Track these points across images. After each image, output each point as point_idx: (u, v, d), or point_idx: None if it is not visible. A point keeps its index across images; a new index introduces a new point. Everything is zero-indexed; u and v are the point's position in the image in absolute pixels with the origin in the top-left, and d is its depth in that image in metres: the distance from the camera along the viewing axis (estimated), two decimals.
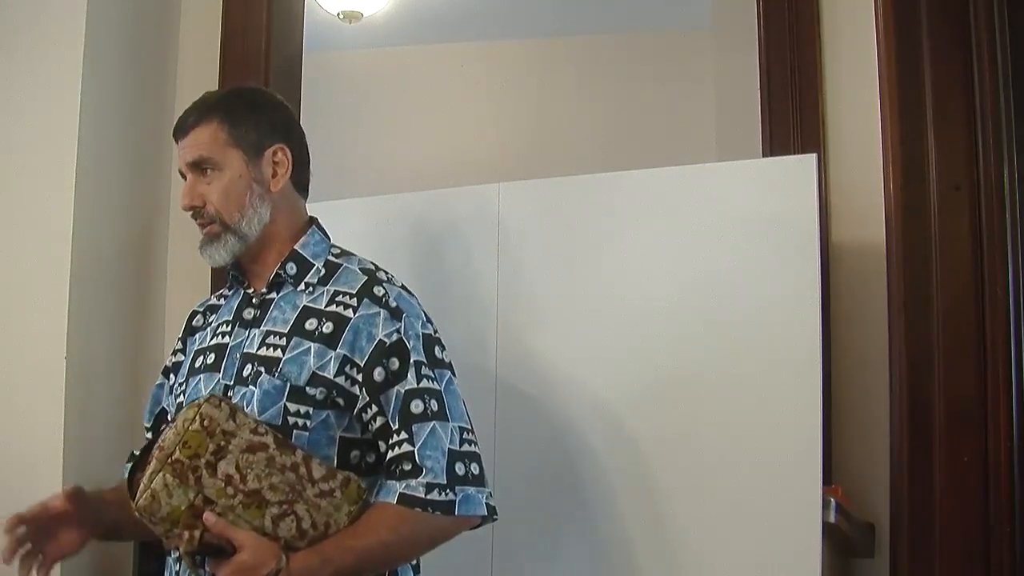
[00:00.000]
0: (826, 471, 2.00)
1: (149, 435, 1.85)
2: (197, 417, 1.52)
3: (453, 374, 1.70)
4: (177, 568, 1.66)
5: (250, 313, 1.74)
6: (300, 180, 1.80)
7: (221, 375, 1.70)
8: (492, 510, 1.66)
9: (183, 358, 1.83)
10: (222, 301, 1.84)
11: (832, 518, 1.97)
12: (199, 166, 1.72)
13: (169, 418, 1.80)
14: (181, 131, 1.75)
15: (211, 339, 1.77)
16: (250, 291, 1.77)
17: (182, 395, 1.74)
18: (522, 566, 2.13)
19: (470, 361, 2.02)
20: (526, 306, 2.19)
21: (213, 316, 1.82)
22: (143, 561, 2.46)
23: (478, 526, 1.68)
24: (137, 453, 1.83)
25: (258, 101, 1.81)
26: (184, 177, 1.76)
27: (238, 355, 1.70)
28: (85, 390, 2.39)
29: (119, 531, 1.76)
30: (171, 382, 1.83)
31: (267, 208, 1.73)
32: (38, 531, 1.64)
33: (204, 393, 1.67)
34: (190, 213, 1.74)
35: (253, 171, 1.73)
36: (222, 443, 1.51)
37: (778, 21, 2.43)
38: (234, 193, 1.71)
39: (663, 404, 2.06)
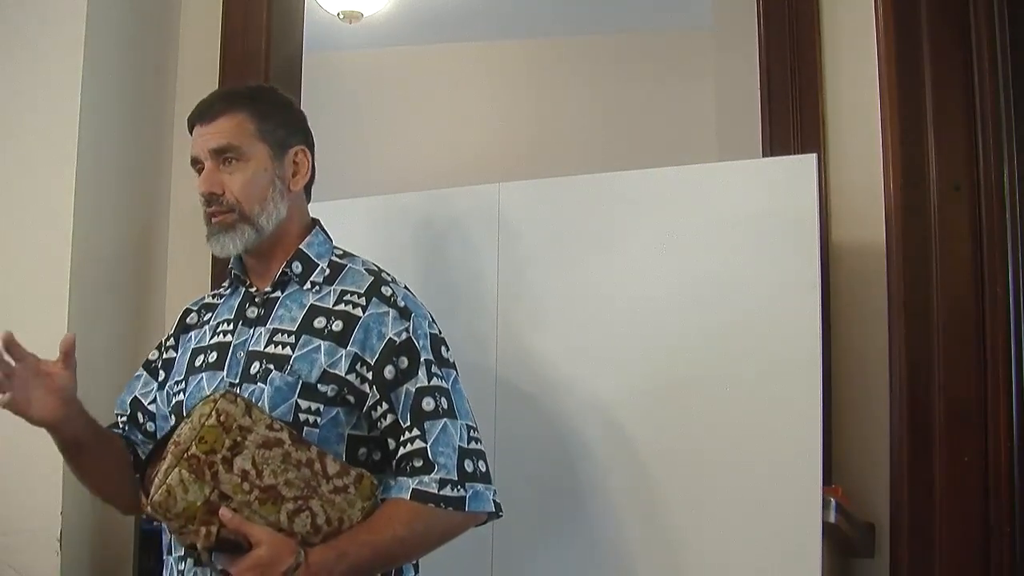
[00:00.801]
0: (826, 471, 2.00)
1: (123, 419, 1.83)
2: (213, 412, 1.52)
3: (457, 373, 1.72)
4: (181, 568, 1.66)
5: (253, 311, 1.74)
6: (308, 185, 1.81)
7: (225, 373, 1.69)
8: (498, 507, 1.67)
9: (175, 355, 1.82)
10: (218, 300, 1.83)
11: (832, 518, 1.97)
12: (223, 153, 1.71)
13: (155, 410, 1.79)
14: (203, 118, 1.73)
15: (211, 337, 1.76)
16: (252, 289, 1.77)
17: (181, 393, 1.74)
18: (522, 566, 2.13)
19: (471, 360, 2.02)
20: (526, 305, 2.19)
21: (210, 315, 1.82)
22: (143, 560, 2.47)
23: (484, 523, 1.70)
24: (120, 424, 1.83)
25: (283, 102, 1.82)
26: (195, 167, 1.74)
27: (243, 353, 1.70)
28: (85, 390, 2.39)
29: (80, 450, 1.71)
30: (161, 379, 1.82)
31: (285, 206, 1.74)
32: (20, 371, 1.61)
33: (208, 391, 1.67)
34: (202, 201, 1.72)
35: (276, 167, 1.74)
36: (238, 439, 1.52)
37: (778, 21, 2.43)
38: (257, 185, 1.71)
39: (663, 404, 2.06)
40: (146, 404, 1.82)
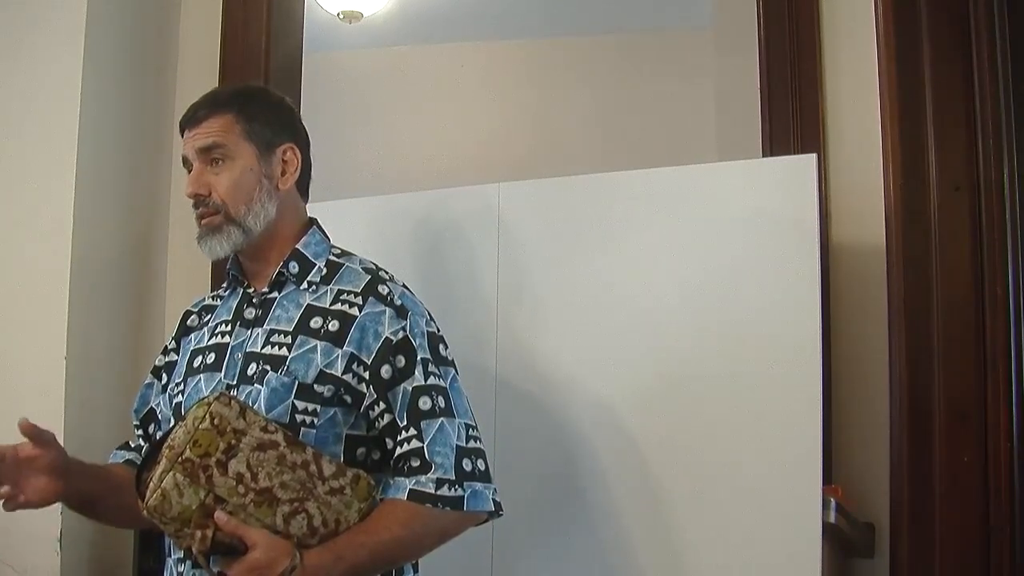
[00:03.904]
0: (826, 471, 2.00)
1: (139, 432, 1.84)
2: (207, 416, 1.51)
3: (456, 372, 1.71)
4: (180, 570, 1.65)
5: (251, 312, 1.74)
6: (303, 183, 1.81)
7: (223, 374, 1.69)
8: (498, 506, 1.67)
9: (176, 358, 1.82)
10: (218, 302, 1.83)
11: (832, 518, 1.97)
12: (209, 152, 1.71)
13: (160, 417, 1.79)
14: (192, 121, 1.74)
15: (209, 339, 1.76)
16: (250, 290, 1.77)
17: (180, 395, 1.73)
18: (522, 566, 2.13)
19: (470, 360, 2.02)
20: (526, 305, 2.19)
21: (209, 316, 1.82)
22: (143, 560, 2.47)
23: (484, 522, 1.69)
24: (133, 445, 1.84)
25: (271, 100, 1.82)
26: (187, 168, 1.75)
27: (240, 354, 1.69)
28: (85, 390, 2.40)
29: (93, 504, 1.72)
30: (164, 382, 1.82)
31: (273, 205, 1.74)
32: (6, 472, 1.58)
33: (205, 393, 1.67)
34: (192, 203, 1.73)
35: (264, 167, 1.73)
36: (233, 441, 1.51)
37: (778, 21, 2.43)
38: (244, 185, 1.71)
39: (663, 404, 2.06)
40: (158, 412, 1.82)
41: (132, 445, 1.84)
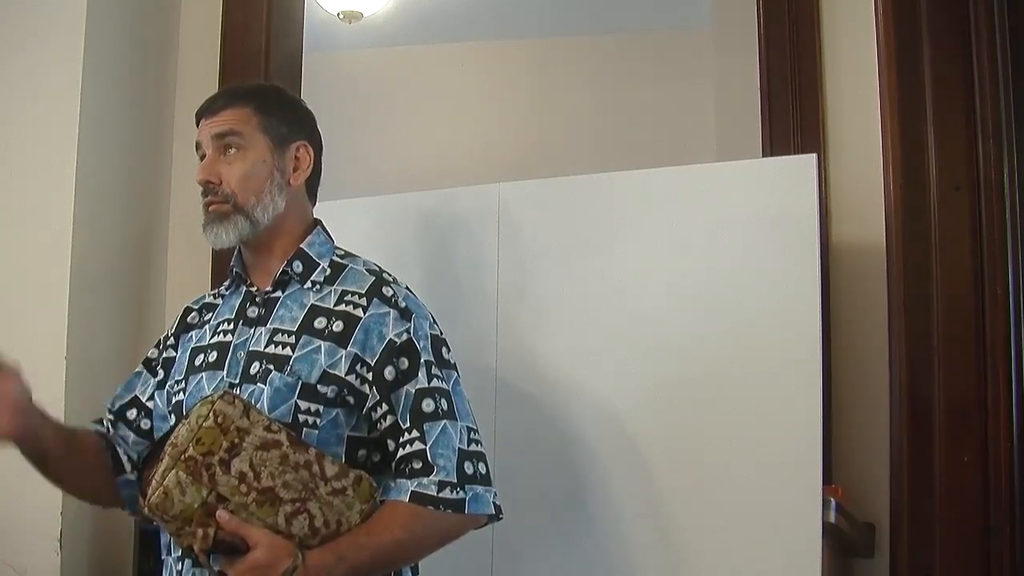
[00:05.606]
0: (826, 471, 2.00)
1: (110, 416, 1.80)
2: (211, 414, 1.51)
3: (458, 375, 1.72)
4: (179, 568, 1.65)
5: (254, 311, 1.73)
6: (312, 185, 1.82)
7: (225, 373, 1.69)
8: (498, 509, 1.67)
9: (175, 354, 1.81)
10: (219, 300, 1.82)
11: (832, 518, 1.97)
12: (224, 139, 1.72)
13: (153, 408, 1.79)
14: (210, 111, 1.75)
15: (211, 337, 1.76)
16: (253, 289, 1.76)
17: (181, 393, 1.73)
18: (522, 566, 2.13)
19: (471, 360, 2.02)
20: (527, 305, 2.19)
21: (210, 314, 1.81)
22: (143, 561, 2.47)
23: (484, 525, 1.69)
24: (105, 422, 1.81)
25: (288, 98, 1.84)
26: (199, 154, 1.75)
27: (243, 353, 1.69)
28: (85, 390, 2.39)
29: (47, 459, 1.67)
30: (160, 377, 1.81)
31: (283, 200, 1.74)
32: None
33: (207, 391, 1.67)
34: (201, 190, 1.73)
35: (277, 160, 1.74)
36: (236, 440, 1.51)
37: (778, 21, 2.43)
38: (255, 176, 1.72)
39: (663, 404, 2.06)
40: (144, 401, 1.80)
41: (104, 421, 1.81)
